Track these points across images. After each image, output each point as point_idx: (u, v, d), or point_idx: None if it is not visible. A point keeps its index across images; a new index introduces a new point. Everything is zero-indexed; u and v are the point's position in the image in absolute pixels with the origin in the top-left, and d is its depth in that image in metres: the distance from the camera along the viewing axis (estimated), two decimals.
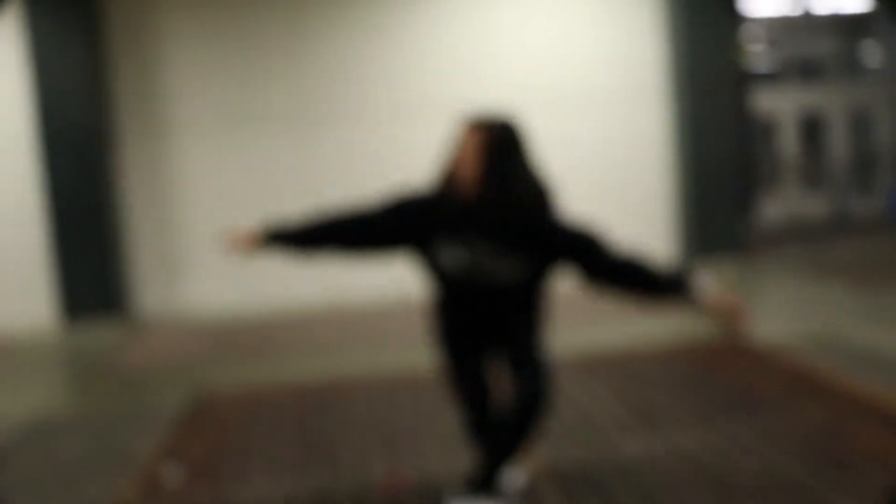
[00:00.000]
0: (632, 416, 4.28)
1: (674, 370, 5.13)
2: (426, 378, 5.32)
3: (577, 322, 6.60)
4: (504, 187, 2.81)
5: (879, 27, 12.38)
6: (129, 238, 8.67)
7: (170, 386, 5.79)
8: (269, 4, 8.72)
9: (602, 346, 5.81)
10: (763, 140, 12.59)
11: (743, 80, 10.93)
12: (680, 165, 9.05)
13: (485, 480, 3.07)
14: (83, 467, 4.15)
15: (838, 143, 12.14)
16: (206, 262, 8.79)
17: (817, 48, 13.14)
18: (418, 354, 6.15)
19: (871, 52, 13.20)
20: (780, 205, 12.41)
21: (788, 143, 12.25)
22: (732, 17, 9.43)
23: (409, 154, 8.40)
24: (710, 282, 2.84)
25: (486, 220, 2.84)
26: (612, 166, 9.12)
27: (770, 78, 13.13)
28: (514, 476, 3.37)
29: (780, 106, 12.21)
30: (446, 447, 4.03)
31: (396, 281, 8.67)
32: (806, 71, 12.99)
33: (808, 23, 12.61)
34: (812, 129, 12.34)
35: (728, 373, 4.94)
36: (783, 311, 6.96)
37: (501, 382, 3.09)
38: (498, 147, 2.83)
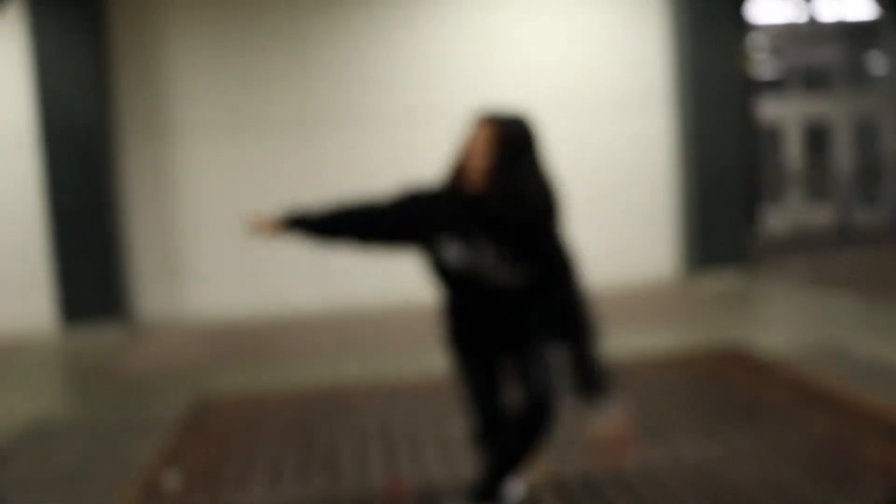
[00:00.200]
0: (634, 425, 4.25)
1: (677, 379, 5.10)
2: (427, 384, 5.31)
3: None
4: (512, 183, 2.78)
5: (885, 35, 12.35)
6: (131, 240, 8.66)
7: (170, 390, 5.77)
8: (274, 6, 8.72)
9: (606, 353, 5.78)
10: (768, 149, 12.57)
11: (749, 88, 10.91)
12: (684, 174, 9.03)
13: (487, 489, 3.05)
14: (82, 471, 4.13)
15: (843, 153, 12.11)
16: (208, 265, 8.78)
17: (822, 56, 13.12)
18: (419, 360, 6.14)
19: (877, 61, 13.18)
20: (785, 214, 12.38)
21: (793, 152, 12.22)
22: (738, 25, 9.42)
23: (413, 158, 8.39)
24: (610, 413, 2.80)
25: (491, 216, 2.81)
26: (615, 174, 9.10)
27: (774, 86, 13.11)
28: (515, 485, 3.34)
29: (785, 115, 12.19)
30: (447, 454, 4.01)
31: (398, 285, 8.67)
32: (811, 79, 12.97)
33: (813, 31, 12.59)
34: (817, 138, 12.32)
35: (732, 383, 4.91)
36: (787, 322, 6.94)
37: (511, 389, 3.06)
38: (508, 142, 2.80)
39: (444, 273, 2.96)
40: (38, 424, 5.05)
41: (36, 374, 6.87)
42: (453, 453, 4.02)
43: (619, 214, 9.09)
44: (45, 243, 8.35)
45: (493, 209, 2.80)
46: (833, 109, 12.28)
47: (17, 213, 8.51)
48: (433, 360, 6.14)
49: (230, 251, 8.69)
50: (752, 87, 11.27)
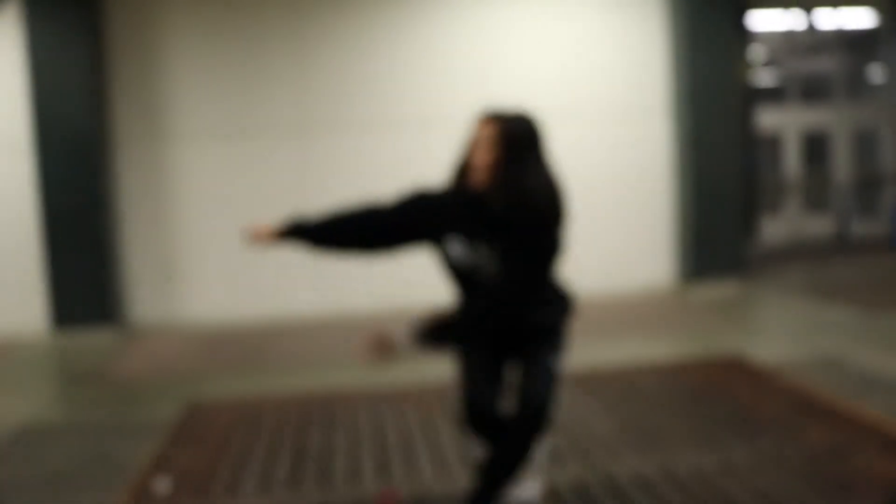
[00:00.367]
0: (630, 434, 4.24)
1: (674, 388, 5.08)
2: (420, 392, 5.29)
3: (577, 337, 6.56)
4: (515, 181, 2.77)
5: (886, 45, 12.36)
6: (126, 244, 8.61)
7: (163, 395, 5.75)
8: (272, 9, 8.70)
9: (602, 362, 5.77)
10: (766, 158, 12.59)
11: (748, 97, 10.91)
12: (683, 183, 9.01)
13: (482, 499, 2.99)
14: (73, 476, 4.11)
15: (842, 163, 12.12)
16: (203, 269, 8.74)
17: (822, 66, 13.13)
18: (413, 367, 6.12)
19: (877, 71, 13.19)
20: (783, 225, 12.37)
21: (791, 161, 12.22)
22: (739, 34, 9.43)
23: (412, 163, 8.35)
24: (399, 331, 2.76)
25: (494, 214, 2.80)
26: (613, 181, 9.06)
27: (773, 96, 13.12)
28: (529, 488, 3.29)
29: (784, 124, 12.19)
30: (440, 462, 3.99)
31: (395, 291, 8.65)
32: (810, 89, 12.99)
33: (813, 40, 12.62)
34: (816, 148, 12.33)
35: (729, 393, 4.89)
36: (784, 333, 6.93)
37: (509, 397, 3.03)
38: (512, 139, 2.79)
39: (452, 269, 2.96)
40: (30, 428, 5.03)
41: (29, 377, 6.85)
42: (446, 462, 4.00)
43: (616, 223, 9.07)
44: (40, 246, 8.29)
45: (496, 207, 2.79)
46: (832, 119, 12.28)
47: (11, 215, 8.46)
48: (428, 367, 6.12)
49: (226, 256, 8.66)
50: (752, 97, 11.26)
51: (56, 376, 6.92)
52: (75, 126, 8.07)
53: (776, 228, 12.22)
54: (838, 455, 3.72)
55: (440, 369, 5.91)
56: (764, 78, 14.59)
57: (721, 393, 4.89)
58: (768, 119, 12.01)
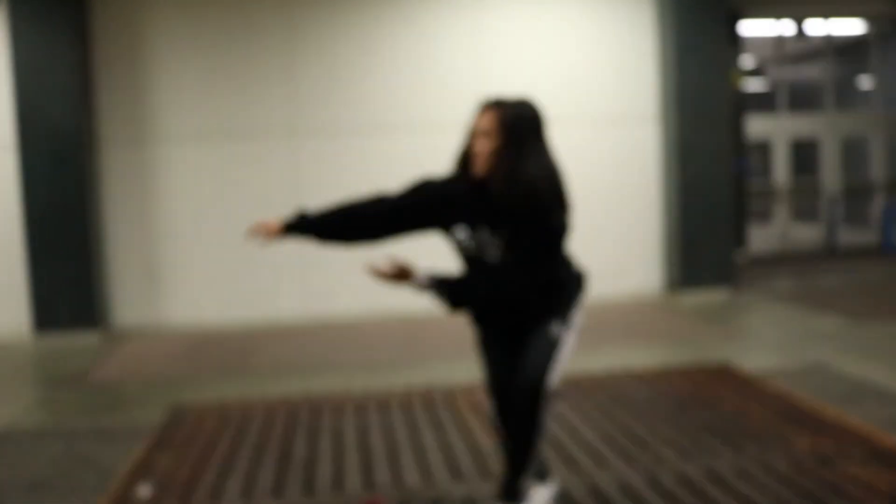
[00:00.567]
0: (617, 441, 4.22)
1: (661, 396, 5.07)
2: (405, 397, 5.26)
3: None
4: (515, 166, 2.79)
5: (875, 52, 12.40)
6: (110, 247, 8.53)
7: (146, 400, 5.71)
8: (261, 12, 8.67)
9: (590, 369, 5.75)
10: (756, 166, 12.60)
11: (738, 104, 10.93)
12: (672, 190, 9.01)
13: (511, 487, 3.07)
14: (55, 480, 4.07)
15: (831, 171, 12.15)
16: (188, 273, 8.67)
17: (812, 73, 13.18)
18: (397, 372, 6.10)
19: (867, 78, 13.24)
20: (772, 232, 12.39)
21: (780, 169, 12.25)
22: (729, 41, 9.44)
23: (403, 167, 8.29)
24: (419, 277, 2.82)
25: (496, 201, 2.82)
26: (602, 189, 9.03)
27: (763, 103, 13.15)
28: (546, 491, 3.28)
29: (773, 132, 12.22)
30: (425, 469, 3.96)
31: (380, 297, 8.62)
32: (800, 97, 13.02)
33: (803, 48, 12.65)
34: (805, 156, 12.36)
35: (716, 400, 4.89)
36: (773, 342, 6.93)
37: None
38: (513, 125, 2.82)
39: (460, 253, 3.02)
40: (11, 432, 4.98)
41: (10, 380, 6.78)
42: (431, 467, 3.98)
43: (605, 230, 9.05)
44: (23, 248, 8.19)
45: (498, 194, 2.81)
46: (822, 127, 12.31)
47: None
48: (412, 372, 6.11)
49: (211, 259, 8.61)
50: (742, 104, 11.29)
51: (38, 380, 6.85)
52: (60, 127, 8.00)
53: (766, 236, 12.24)
54: (824, 463, 3.71)
55: (425, 376, 5.90)
56: (754, 86, 14.64)
57: (708, 401, 4.89)
58: (758, 127, 12.03)
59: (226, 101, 8.63)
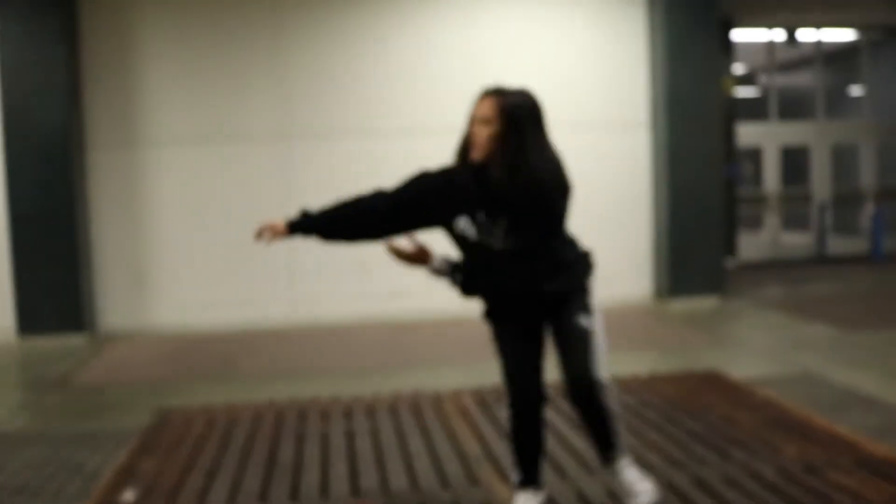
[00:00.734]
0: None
1: (649, 403, 5.06)
2: (393, 402, 5.24)
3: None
4: (517, 153, 2.82)
5: (866, 61, 12.44)
6: (97, 250, 8.47)
7: (132, 404, 5.67)
8: (252, 14, 8.63)
9: None
10: (745, 174, 12.62)
11: (729, 112, 10.94)
12: (662, 197, 9.01)
13: (608, 451, 3.18)
14: (38, 484, 4.04)
15: (822, 178, 12.18)
16: (175, 277, 8.61)
17: (802, 81, 13.21)
18: (384, 377, 6.08)
19: (858, 86, 13.28)
20: (762, 240, 12.40)
21: (771, 176, 12.27)
22: (720, 48, 9.45)
23: (393, 170, 8.26)
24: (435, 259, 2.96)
25: (497, 187, 2.84)
26: (592, 196, 8.97)
27: (754, 111, 13.18)
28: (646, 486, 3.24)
29: (764, 139, 12.25)
30: (412, 473, 3.94)
31: (367, 301, 8.61)
32: (791, 104, 13.05)
33: (794, 55, 12.69)
34: (796, 163, 12.38)
35: (704, 408, 4.88)
36: (762, 349, 6.94)
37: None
38: (511, 113, 2.86)
39: (462, 242, 3.02)
40: None
41: None
42: (419, 473, 3.96)
43: (595, 236, 8.86)
44: (8, 250, 8.12)
45: (497, 180, 2.84)
46: (812, 134, 12.34)
47: None
48: (400, 377, 6.08)
49: (198, 263, 8.57)
50: (733, 111, 11.31)
51: (22, 383, 6.79)
52: (47, 128, 7.95)
53: (756, 244, 12.25)
54: (812, 471, 3.71)
55: (413, 382, 5.88)
56: (745, 92, 14.66)
57: (696, 408, 4.88)
58: (749, 134, 12.05)
59: (216, 103, 8.59)
